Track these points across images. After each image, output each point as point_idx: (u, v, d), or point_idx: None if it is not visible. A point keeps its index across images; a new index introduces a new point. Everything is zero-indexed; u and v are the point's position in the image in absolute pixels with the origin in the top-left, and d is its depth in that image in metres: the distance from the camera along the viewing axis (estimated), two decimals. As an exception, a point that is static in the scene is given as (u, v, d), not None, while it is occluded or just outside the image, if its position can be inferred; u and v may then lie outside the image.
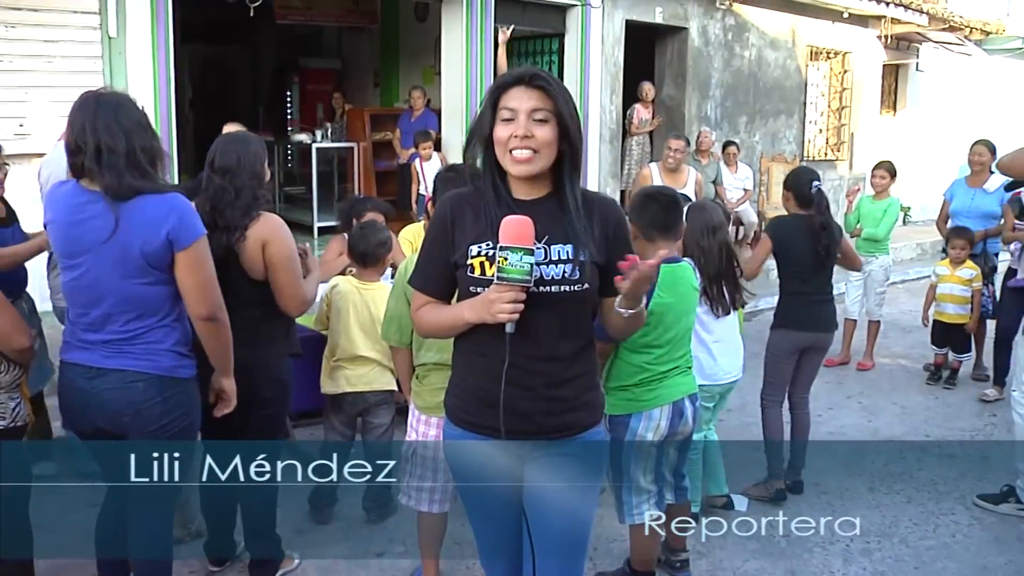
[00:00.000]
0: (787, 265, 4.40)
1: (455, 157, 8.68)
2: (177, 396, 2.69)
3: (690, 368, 3.45)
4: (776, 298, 4.60)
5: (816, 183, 4.36)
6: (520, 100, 2.11)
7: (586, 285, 2.17)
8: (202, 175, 3.26)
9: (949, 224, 6.78)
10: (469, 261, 2.16)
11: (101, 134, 2.51)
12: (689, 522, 3.99)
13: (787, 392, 4.52)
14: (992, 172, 6.60)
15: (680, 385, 3.35)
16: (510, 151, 2.11)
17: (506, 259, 2.03)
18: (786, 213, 4.58)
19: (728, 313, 3.93)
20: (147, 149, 2.58)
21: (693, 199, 6.86)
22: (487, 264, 2.13)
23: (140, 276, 2.58)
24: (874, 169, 6.89)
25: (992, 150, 6.60)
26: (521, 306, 2.06)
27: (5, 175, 3.96)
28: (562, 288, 2.14)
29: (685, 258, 3.55)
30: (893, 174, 6.84)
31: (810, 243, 4.31)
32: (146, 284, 2.60)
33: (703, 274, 3.83)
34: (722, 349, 3.97)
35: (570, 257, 2.15)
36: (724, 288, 3.87)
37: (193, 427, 2.83)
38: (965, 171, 6.90)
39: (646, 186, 4.12)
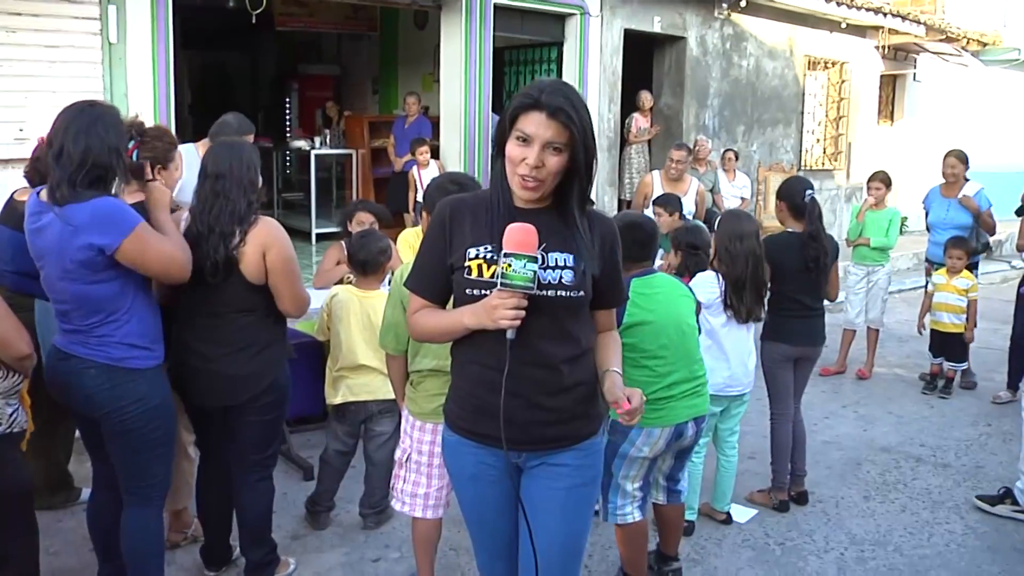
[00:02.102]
0: (779, 281, 4.35)
1: (453, 164, 8.70)
2: (127, 384, 2.86)
3: (705, 390, 3.44)
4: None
5: (809, 192, 4.35)
6: (539, 128, 2.08)
7: (581, 293, 2.18)
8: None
9: (928, 236, 6.83)
10: (467, 263, 2.17)
11: (68, 139, 2.74)
12: (687, 523, 4.03)
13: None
14: (967, 181, 6.63)
15: (688, 408, 3.35)
16: (519, 174, 2.12)
17: (510, 265, 2.04)
18: (780, 224, 4.59)
19: (746, 322, 3.97)
20: (99, 165, 2.75)
21: (694, 208, 6.94)
22: (485, 266, 2.14)
23: (82, 278, 2.77)
24: (870, 180, 6.92)
25: (964, 160, 6.64)
26: (523, 312, 2.07)
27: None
28: (558, 293, 2.15)
29: (656, 269, 3.55)
30: (889, 184, 6.87)
31: (801, 256, 4.30)
32: (89, 284, 2.78)
33: (726, 280, 3.88)
34: (734, 360, 3.99)
35: (568, 264, 2.17)
36: (745, 297, 3.91)
37: (155, 413, 2.92)
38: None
39: (627, 214, 4.07)
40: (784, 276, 4.33)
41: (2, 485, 2.78)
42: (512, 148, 2.12)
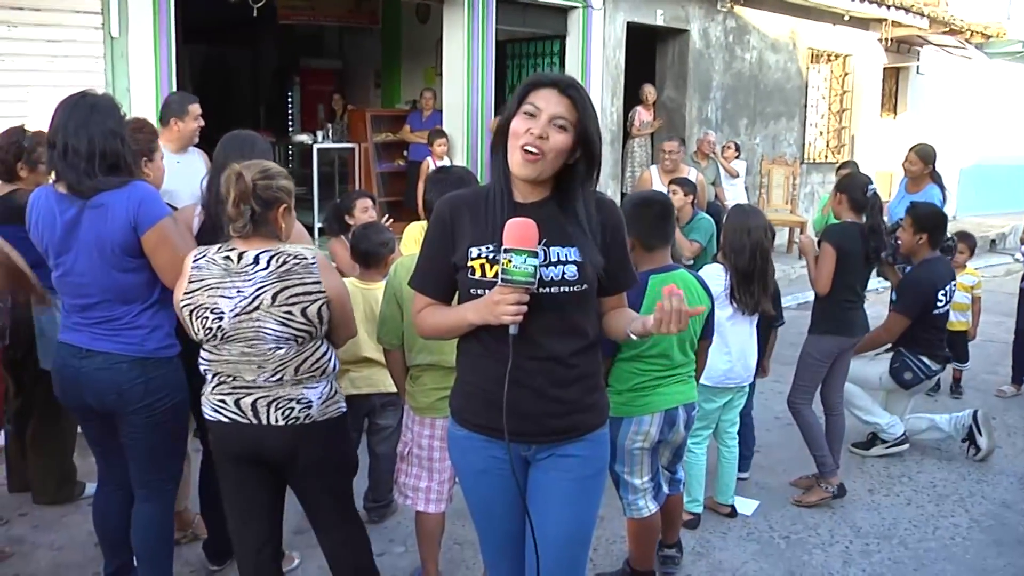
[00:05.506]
0: (842, 272, 4.33)
1: (457, 158, 8.70)
2: (161, 377, 2.83)
3: (691, 378, 3.41)
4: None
5: (872, 187, 4.39)
6: (548, 102, 2.12)
7: (585, 286, 2.18)
8: None
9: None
10: (469, 263, 2.17)
11: (69, 135, 2.71)
12: (693, 516, 4.03)
13: (820, 394, 4.57)
14: (931, 179, 6.37)
15: (675, 394, 3.31)
16: (521, 146, 2.11)
17: (510, 261, 2.04)
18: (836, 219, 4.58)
19: (753, 314, 3.97)
20: (109, 153, 2.74)
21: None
22: (487, 266, 2.14)
23: (120, 266, 2.75)
24: (840, 169, 6.74)
25: (924, 157, 6.25)
26: (525, 308, 2.07)
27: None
28: (561, 289, 2.15)
29: (680, 266, 3.51)
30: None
31: (863, 248, 4.34)
32: (126, 272, 2.77)
33: (733, 273, 3.87)
34: (735, 353, 3.97)
35: (571, 259, 2.16)
36: (752, 290, 3.91)
37: (181, 406, 2.93)
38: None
39: (637, 193, 4.06)
40: (849, 266, 4.34)
41: (340, 458, 2.89)
42: (518, 122, 2.13)
